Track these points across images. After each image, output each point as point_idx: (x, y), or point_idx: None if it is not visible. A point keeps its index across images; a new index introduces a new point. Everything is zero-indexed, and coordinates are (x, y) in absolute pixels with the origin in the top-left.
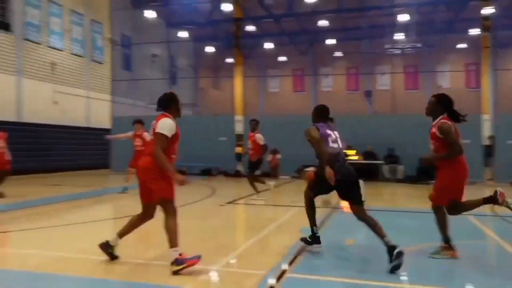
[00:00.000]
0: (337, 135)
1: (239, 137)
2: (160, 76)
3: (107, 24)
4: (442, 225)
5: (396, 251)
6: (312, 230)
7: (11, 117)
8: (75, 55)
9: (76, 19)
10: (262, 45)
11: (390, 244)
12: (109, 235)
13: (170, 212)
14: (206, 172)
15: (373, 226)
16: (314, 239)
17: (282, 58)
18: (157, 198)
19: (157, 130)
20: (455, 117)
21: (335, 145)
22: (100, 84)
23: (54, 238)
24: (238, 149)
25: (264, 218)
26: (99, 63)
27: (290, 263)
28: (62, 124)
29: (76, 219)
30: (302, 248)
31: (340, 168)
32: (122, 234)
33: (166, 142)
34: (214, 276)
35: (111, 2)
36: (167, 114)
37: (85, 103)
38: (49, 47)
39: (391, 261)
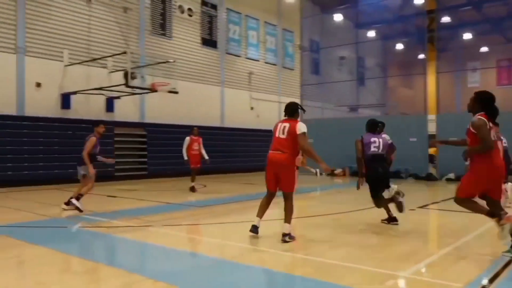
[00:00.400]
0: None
1: (432, 138)
2: (348, 78)
3: (298, 31)
4: (479, 210)
5: None
6: None
7: (216, 123)
8: (268, 63)
9: (270, 30)
10: (459, 37)
11: None
12: (297, 232)
13: (291, 199)
14: (394, 175)
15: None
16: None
17: (484, 49)
18: (286, 189)
19: (300, 132)
20: (492, 115)
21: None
22: (290, 89)
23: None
24: (431, 150)
25: (460, 226)
26: (290, 69)
27: (492, 279)
28: (257, 128)
29: (269, 216)
30: (509, 262)
31: None
32: (260, 215)
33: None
34: (401, 283)
35: (302, 10)
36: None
37: (277, 108)
38: (247, 58)
39: None
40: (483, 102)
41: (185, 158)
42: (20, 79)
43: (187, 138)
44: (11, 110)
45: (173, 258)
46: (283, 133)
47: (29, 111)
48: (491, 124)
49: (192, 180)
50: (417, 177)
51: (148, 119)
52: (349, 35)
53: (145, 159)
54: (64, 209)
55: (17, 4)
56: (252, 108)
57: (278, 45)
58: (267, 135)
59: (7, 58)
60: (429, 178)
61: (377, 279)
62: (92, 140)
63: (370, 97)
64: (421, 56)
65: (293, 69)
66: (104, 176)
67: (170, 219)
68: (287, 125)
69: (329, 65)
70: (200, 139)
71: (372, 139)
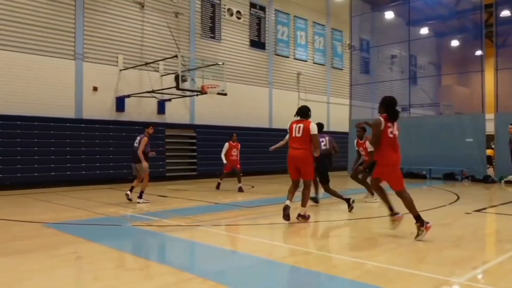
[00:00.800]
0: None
1: (490, 138)
2: (399, 77)
3: (347, 31)
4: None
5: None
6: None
7: (264, 124)
8: (317, 64)
9: (319, 30)
10: None
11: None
12: (342, 235)
13: (309, 186)
14: (449, 177)
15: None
16: None
17: None
18: (306, 177)
19: (313, 132)
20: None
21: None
22: (339, 89)
23: (296, 233)
24: (489, 151)
25: None
26: (339, 69)
27: None
28: None
29: (319, 218)
30: None
31: None
32: (290, 198)
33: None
34: None
35: (351, 8)
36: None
37: (325, 108)
38: (295, 59)
39: None
40: (386, 105)
41: (224, 162)
42: (78, 83)
43: (226, 144)
44: (70, 113)
45: (221, 258)
46: (298, 132)
47: (86, 114)
48: (389, 124)
49: (221, 179)
50: (473, 179)
51: (197, 121)
52: (401, 33)
53: (195, 160)
54: (139, 202)
55: (76, 13)
56: None
57: (327, 45)
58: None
59: (66, 64)
60: (487, 180)
61: (430, 284)
62: (144, 140)
63: (423, 96)
64: (478, 52)
65: (342, 69)
66: (156, 176)
67: (219, 219)
68: (301, 125)
69: (379, 64)
70: (239, 145)
71: (321, 138)
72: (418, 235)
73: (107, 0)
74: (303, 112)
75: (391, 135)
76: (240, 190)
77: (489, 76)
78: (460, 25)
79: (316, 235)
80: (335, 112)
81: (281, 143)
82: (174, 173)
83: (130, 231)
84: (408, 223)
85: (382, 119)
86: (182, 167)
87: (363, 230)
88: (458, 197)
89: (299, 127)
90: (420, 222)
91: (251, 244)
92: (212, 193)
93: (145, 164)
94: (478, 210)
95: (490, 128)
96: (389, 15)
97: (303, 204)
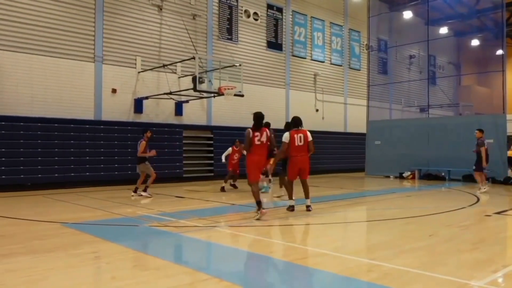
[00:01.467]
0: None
1: (511, 139)
2: (418, 77)
3: (364, 31)
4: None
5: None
6: None
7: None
8: (334, 64)
9: (336, 31)
10: None
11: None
12: (359, 236)
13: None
14: (468, 178)
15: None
16: None
17: None
18: (306, 177)
19: (310, 139)
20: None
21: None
22: (357, 90)
23: (312, 234)
24: (510, 153)
25: None
26: (356, 70)
27: None
28: (322, 130)
29: (332, 219)
30: None
31: None
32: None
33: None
34: None
35: (369, 8)
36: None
37: (343, 109)
38: (312, 60)
39: None
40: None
41: (223, 161)
42: (98, 85)
43: (230, 149)
44: (89, 115)
45: (237, 259)
46: (300, 141)
47: (105, 116)
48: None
49: (225, 181)
50: (494, 181)
51: (215, 122)
52: (419, 32)
53: (212, 161)
54: (141, 195)
55: (95, 17)
56: (317, 110)
57: (344, 46)
58: (332, 137)
59: (86, 66)
60: (508, 182)
61: (448, 287)
62: (142, 144)
63: (442, 97)
64: (499, 52)
65: (359, 70)
66: (173, 177)
67: (236, 220)
68: (302, 135)
69: (397, 64)
70: (242, 151)
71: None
72: (256, 216)
73: (126, 3)
74: (299, 122)
75: (258, 142)
76: (223, 189)
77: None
78: (480, 24)
79: (332, 237)
80: (352, 113)
81: (280, 155)
82: (191, 174)
83: (147, 231)
84: (425, 225)
85: (250, 130)
86: (199, 168)
87: (379, 232)
88: (478, 199)
89: (300, 136)
90: (258, 207)
91: (267, 245)
92: (229, 194)
93: (144, 166)
94: (499, 213)
95: (510, 129)
96: (407, 14)
97: (309, 196)
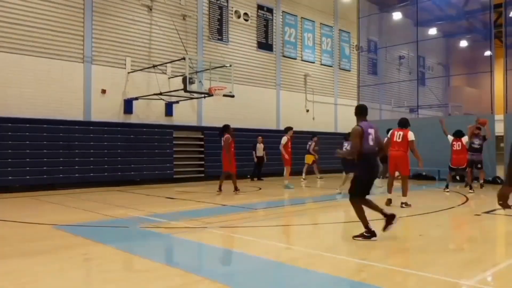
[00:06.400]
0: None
1: (499, 139)
2: (407, 78)
3: (354, 32)
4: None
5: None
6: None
7: (272, 126)
8: (324, 65)
9: (326, 32)
10: None
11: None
12: (350, 237)
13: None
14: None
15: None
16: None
17: None
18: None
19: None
20: None
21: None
22: (347, 90)
23: (304, 235)
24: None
25: None
26: (347, 70)
27: None
28: (313, 131)
29: (323, 220)
30: None
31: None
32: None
33: None
34: None
35: (359, 9)
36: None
37: (333, 110)
38: (303, 60)
39: None
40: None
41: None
42: (87, 86)
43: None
44: (79, 116)
45: (229, 260)
46: (399, 138)
47: (95, 117)
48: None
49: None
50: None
51: (205, 123)
52: (409, 33)
53: (203, 162)
54: None
55: (84, 17)
56: (307, 111)
57: (334, 47)
58: (323, 137)
59: (75, 67)
60: (497, 181)
61: (439, 286)
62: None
63: (431, 97)
64: (487, 53)
65: (350, 71)
66: (164, 178)
67: (227, 221)
68: (401, 133)
69: (387, 65)
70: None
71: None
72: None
73: (116, 3)
74: (404, 123)
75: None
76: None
77: (499, 77)
78: (469, 25)
79: (323, 237)
80: (342, 114)
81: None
82: (182, 175)
83: (138, 233)
84: (416, 224)
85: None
86: (190, 169)
87: None
88: (467, 199)
89: (400, 134)
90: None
91: (259, 246)
92: (220, 195)
93: None
94: (488, 212)
95: (499, 129)
96: (397, 15)
97: (405, 194)
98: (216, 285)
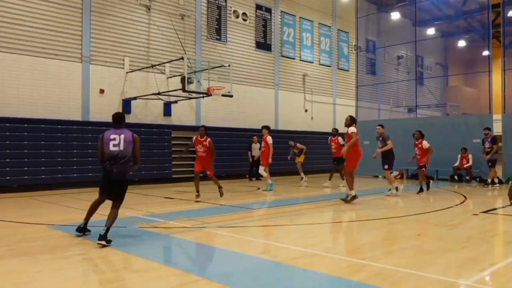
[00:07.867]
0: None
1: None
2: (406, 78)
3: (353, 32)
4: None
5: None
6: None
7: (270, 126)
8: (323, 65)
9: (325, 32)
10: None
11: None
12: (348, 236)
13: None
14: (456, 178)
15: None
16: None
17: None
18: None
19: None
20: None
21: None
22: (345, 90)
23: (302, 235)
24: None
25: None
26: (345, 70)
27: None
28: (311, 130)
29: (321, 219)
30: None
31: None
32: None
33: None
34: None
35: (357, 9)
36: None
37: (331, 110)
38: (301, 60)
39: None
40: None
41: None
42: (85, 86)
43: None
44: (77, 116)
45: (227, 259)
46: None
47: (93, 116)
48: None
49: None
50: (481, 180)
51: (203, 123)
52: (407, 33)
53: None
54: None
55: (83, 16)
56: (306, 111)
57: (333, 47)
58: (321, 137)
59: (74, 66)
60: (494, 181)
61: (437, 286)
62: None
63: (430, 97)
64: (486, 53)
65: (348, 70)
66: (162, 178)
67: (225, 220)
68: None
69: (385, 65)
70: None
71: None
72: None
73: (114, 3)
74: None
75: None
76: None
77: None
78: (467, 25)
79: (321, 237)
80: (341, 114)
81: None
82: (180, 175)
83: (136, 232)
84: (413, 225)
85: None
86: (188, 169)
87: (368, 231)
88: (466, 198)
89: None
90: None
91: (256, 246)
92: (218, 195)
93: None
94: (486, 211)
95: (497, 128)
96: (395, 15)
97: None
98: (214, 285)
